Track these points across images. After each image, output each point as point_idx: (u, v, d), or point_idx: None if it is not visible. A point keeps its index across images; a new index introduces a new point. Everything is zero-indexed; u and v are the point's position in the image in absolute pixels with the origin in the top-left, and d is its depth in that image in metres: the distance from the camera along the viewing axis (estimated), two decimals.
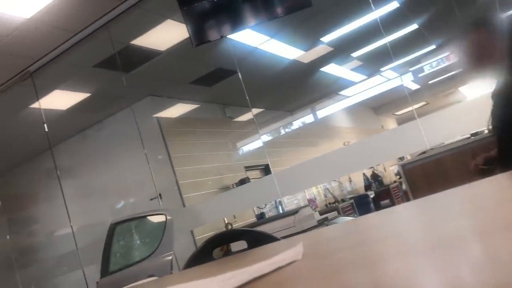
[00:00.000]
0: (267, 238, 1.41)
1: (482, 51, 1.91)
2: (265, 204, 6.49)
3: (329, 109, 9.73)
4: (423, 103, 11.34)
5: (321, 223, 4.03)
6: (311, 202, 7.47)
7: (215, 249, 1.50)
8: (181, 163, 5.91)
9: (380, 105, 11.84)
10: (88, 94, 5.61)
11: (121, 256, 3.19)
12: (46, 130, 4.99)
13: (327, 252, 0.74)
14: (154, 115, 6.08)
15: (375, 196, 8.23)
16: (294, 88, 8.05)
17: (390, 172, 9.93)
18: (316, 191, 8.14)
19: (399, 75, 8.98)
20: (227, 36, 4.24)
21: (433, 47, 8.42)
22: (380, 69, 8.81)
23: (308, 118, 9.69)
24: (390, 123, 12.70)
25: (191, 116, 6.96)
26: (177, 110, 6.81)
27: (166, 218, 3.12)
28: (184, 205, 5.50)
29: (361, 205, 7.55)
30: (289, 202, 7.45)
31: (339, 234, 1.01)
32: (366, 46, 7.07)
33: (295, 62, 6.71)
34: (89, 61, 4.87)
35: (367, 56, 7.52)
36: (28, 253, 6.75)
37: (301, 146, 9.08)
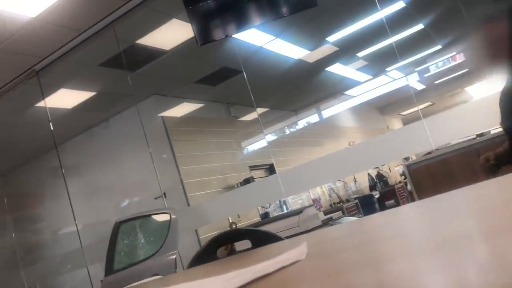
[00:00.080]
0: (271, 238, 1.41)
1: (496, 44, 1.88)
2: (270, 204, 6.49)
3: (334, 109, 9.71)
4: (429, 103, 11.30)
5: (326, 223, 4.03)
6: (316, 202, 7.46)
7: (219, 248, 1.50)
8: (186, 162, 5.91)
9: (386, 105, 11.81)
10: (94, 93, 5.63)
11: (126, 254, 3.20)
12: (52, 128, 5.01)
13: (331, 252, 0.74)
14: (159, 114, 6.09)
15: (380, 197, 8.21)
16: (299, 88, 8.04)
17: (395, 173, 9.90)
18: (320, 191, 8.13)
19: (404, 75, 8.96)
20: (232, 36, 4.25)
21: (439, 47, 8.39)
22: (386, 69, 8.79)
23: (313, 118, 9.67)
24: (396, 123, 12.66)
25: (196, 115, 6.97)
26: (182, 109, 6.82)
27: (170, 217, 3.12)
28: (188, 204, 5.50)
29: (366, 205, 7.54)
30: (294, 202, 7.44)
31: (343, 234, 1.01)
32: (371, 46, 7.06)
33: (300, 62, 6.70)
34: (95, 60, 4.89)
35: (373, 56, 7.50)
36: (33, 251, 6.78)
37: (306, 146, 9.08)
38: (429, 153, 3.68)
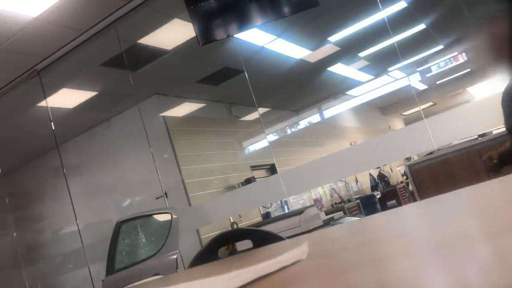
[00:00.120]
0: (273, 238, 1.41)
1: (499, 44, 1.86)
2: (271, 204, 6.49)
3: (336, 109, 9.70)
4: (431, 103, 11.30)
5: (327, 223, 4.03)
6: (317, 202, 7.46)
7: (220, 248, 1.50)
8: (187, 162, 5.92)
9: (387, 105, 11.80)
10: (95, 93, 5.63)
11: (127, 254, 3.20)
12: (53, 128, 5.02)
13: (333, 252, 0.74)
14: (161, 114, 6.09)
15: (382, 197, 8.20)
16: (301, 88, 8.04)
17: (396, 173, 9.89)
18: (322, 191, 8.12)
19: (406, 75, 8.95)
20: (234, 35, 4.25)
21: (441, 47, 8.39)
22: (388, 69, 8.78)
23: (315, 118, 9.67)
24: (397, 124, 12.65)
25: (197, 115, 6.97)
26: (183, 109, 6.82)
27: (172, 216, 3.12)
28: (190, 204, 5.51)
29: (368, 205, 7.53)
30: (295, 202, 7.44)
31: (344, 233, 1.01)
32: (373, 46, 7.05)
33: (301, 62, 6.70)
34: (96, 60, 4.89)
35: (374, 56, 7.50)
36: (35, 251, 6.79)
37: (307, 146, 9.07)
38: (431, 153, 3.68)
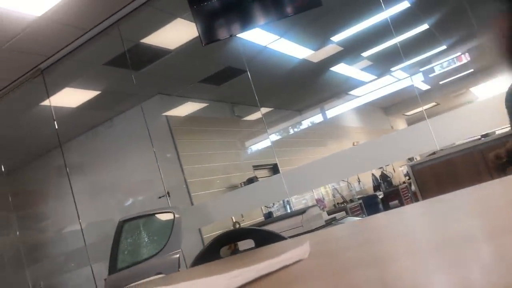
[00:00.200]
0: (275, 237, 1.41)
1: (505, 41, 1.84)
2: (273, 204, 6.49)
3: (339, 109, 9.69)
4: (434, 103, 11.27)
5: (329, 223, 4.03)
6: (319, 202, 7.45)
7: (223, 248, 1.50)
8: (190, 161, 5.92)
9: (390, 105, 11.78)
10: (98, 92, 5.64)
11: (129, 253, 3.20)
12: (56, 127, 5.03)
13: (334, 251, 0.74)
14: (163, 114, 6.10)
15: (384, 197, 8.19)
16: (303, 88, 8.03)
17: (399, 173, 9.88)
18: (324, 191, 8.12)
19: (409, 75, 8.93)
20: (237, 35, 4.25)
21: (444, 47, 8.36)
22: (390, 69, 8.76)
23: (317, 118, 9.66)
24: (400, 124, 12.63)
25: (200, 114, 6.97)
26: (186, 108, 6.83)
27: (174, 216, 3.13)
28: (192, 204, 5.51)
29: (370, 205, 7.52)
30: (297, 202, 7.43)
31: (346, 233, 1.01)
32: (376, 46, 7.04)
33: (304, 62, 6.69)
34: (99, 59, 4.90)
35: (377, 56, 7.49)
36: (38, 249, 6.81)
37: (310, 146, 9.06)
38: (434, 153, 3.67)
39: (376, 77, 8.98)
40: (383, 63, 8.24)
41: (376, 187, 8.76)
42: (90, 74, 5.31)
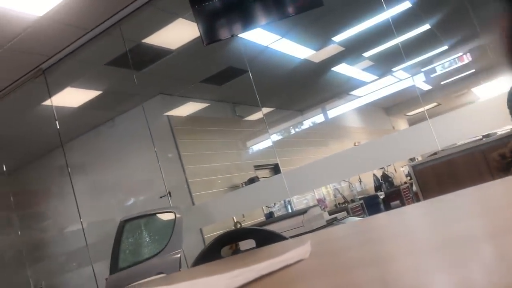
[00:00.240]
0: (276, 237, 1.41)
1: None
2: (274, 204, 6.49)
3: (340, 109, 9.69)
4: (435, 104, 11.26)
5: (330, 223, 4.02)
6: (321, 202, 7.45)
7: (224, 248, 1.50)
8: (191, 161, 5.92)
9: (392, 106, 11.78)
10: (100, 92, 5.65)
11: (130, 253, 3.21)
12: (58, 127, 5.04)
13: (335, 251, 0.74)
14: (165, 114, 6.10)
15: (385, 197, 8.19)
16: (305, 88, 8.03)
17: (400, 173, 9.87)
18: (325, 191, 8.12)
19: (411, 75, 8.93)
20: (238, 35, 4.25)
21: (445, 47, 8.36)
22: (392, 69, 8.76)
23: (319, 118, 9.66)
24: (401, 124, 12.62)
25: (201, 114, 6.98)
26: (188, 108, 6.83)
27: (175, 216, 3.13)
28: (193, 203, 5.51)
29: (371, 205, 7.52)
30: (298, 202, 7.43)
31: (347, 233, 1.01)
32: (377, 46, 7.04)
33: (306, 62, 6.69)
34: (101, 59, 4.91)
35: (379, 56, 7.48)
36: (39, 249, 6.82)
37: (311, 146, 9.06)
38: (435, 153, 3.67)
39: (377, 77, 8.98)
40: (385, 63, 8.23)
41: (378, 187, 8.76)
42: (92, 74, 5.31)
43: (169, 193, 4.78)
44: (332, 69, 7.59)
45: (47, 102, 5.09)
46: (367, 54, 7.49)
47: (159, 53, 5.08)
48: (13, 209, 6.17)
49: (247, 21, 3.51)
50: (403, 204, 7.86)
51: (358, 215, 6.65)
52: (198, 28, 3.44)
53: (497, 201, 0.73)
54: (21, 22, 3.75)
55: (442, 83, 10.30)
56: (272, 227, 3.53)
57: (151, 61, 5.23)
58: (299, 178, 4.05)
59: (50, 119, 5.03)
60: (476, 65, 9.36)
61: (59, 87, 5.19)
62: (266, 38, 5.45)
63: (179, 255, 2.94)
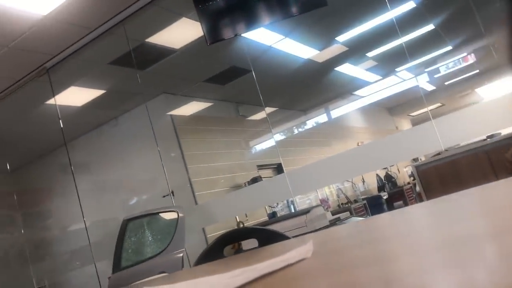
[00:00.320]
0: (278, 237, 1.41)
1: None
2: (277, 203, 6.48)
3: (343, 109, 9.67)
4: (439, 104, 11.23)
5: (333, 223, 4.02)
6: (324, 202, 7.44)
7: (226, 247, 1.50)
8: (194, 160, 5.93)
9: (395, 106, 11.75)
10: (103, 91, 5.66)
11: (133, 252, 3.21)
12: (61, 126, 5.05)
13: (337, 250, 0.74)
14: (168, 113, 6.11)
15: (388, 197, 8.17)
16: (308, 88, 8.02)
17: (403, 174, 9.85)
18: (328, 191, 8.10)
19: (414, 75, 8.90)
20: (242, 35, 4.25)
21: (449, 47, 8.34)
22: (396, 70, 8.74)
23: (322, 118, 9.64)
24: (405, 124, 12.59)
25: (205, 114, 6.98)
26: (191, 108, 6.83)
27: (178, 215, 3.13)
28: (196, 203, 5.52)
29: (374, 206, 7.50)
30: (301, 202, 7.43)
31: (349, 232, 1.00)
32: (381, 46, 7.02)
33: (309, 62, 6.69)
34: (105, 58, 4.92)
35: (383, 56, 7.47)
36: (42, 247, 6.84)
37: (314, 146, 9.05)
38: (438, 154, 3.65)
39: (381, 77, 8.96)
40: (388, 63, 8.22)
41: (381, 188, 8.74)
42: (95, 73, 5.32)
43: (172, 192, 4.79)
44: (336, 69, 7.58)
45: (51, 101, 5.10)
46: (370, 54, 7.48)
47: (162, 52, 5.08)
48: (17, 208, 6.19)
49: (251, 21, 3.51)
50: (406, 204, 7.84)
51: (361, 216, 6.64)
52: (202, 28, 3.44)
53: (500, 202, 0.72)
54: (26, 21, 3.76)
55: (446, 83, 10.27)
56: (275, 227, 3.53)
57: (154, 61, 5.23)
58: (302, 178, 4.05)
59: (53, 118, 5.04)
60: (480, 65, 9.33)
61: (63, 86, 5.20)
62: (269, 38, 5.44)
63: (181, 255, 2.95)
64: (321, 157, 4.17)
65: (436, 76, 9.36)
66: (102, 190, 6.27)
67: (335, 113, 9.57)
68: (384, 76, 8.96)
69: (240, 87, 6.54)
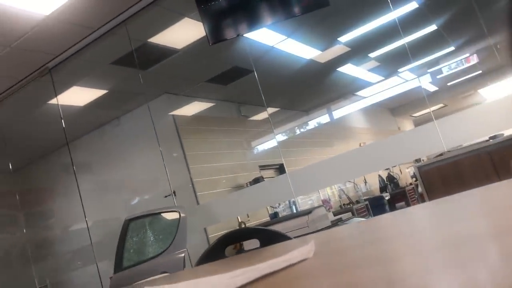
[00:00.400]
0: (280, 237, 1.41)
1: None
2: (279, 204, 6.48)
3: (345, 110, 9.66)
4: (441, 105, 11.21)
5: (335, 224, 4.02)
6: (326, 202, 7.43)
7: (228, 247, 1.50)
8: (196, 161, 5.93)
9: (397, 106, 11.74)
10: (105, 91, 5.66)
11: (135, 252, 3.21)
12: (64, 126, 5.06)
13: (339, 250, 0.74)
14: (170, 113, 6.11)
15: (391, 198, 8.16)
16: (310, 88, 8.02)
17: (406, 174, 9.83)
18: (330, 192, 8.10)
19: (417, 76, 8.89)
20: (244, 35, 4.25)
21: (452, 48, 8.32)
22: (398, 70, 8.73)
23: (324, 119, 9.64)
24: (407, 125, 12.57)
25: (207, 114, 6.98)
26: (193, 108, 6.84)
27: (180, 215, 3.13)
28: (198, 203, 5.52)
29: (376, 207, 7.49)
30: (303, 203, 7.42)
31: (351, 233, 1.00)
32: (384, 46, 7.01)
33: (311, 62, 6.68)
34: (107, 58, 4.92)
35: (385, 56, 7.46)
36: (44, 247, 6.85)
37: (316, 147, 9.05)
38: (441, 155, 3.65)
39: (383, 78, 8.95)
40: (391, 64, 8.21)
41: (383, 188, 8.73)
42: (98, 73, 5.33)
43: (174, 192, 4.79)
44: (338, 69, 7.57)
45: (53, 101, 5.11)
46: (373, 54, 7.47)
47: (164, 52, 5.08)
48: (19, 208, 6.20)
49: (253, 21, 3.51)
50: (408, 205, 7.82)
51: (363, 216, 6.64)
52: (204, 28, 3.44)
53: (503, 202, 0.72)
54: (28, 21, 3.77)
55: (448, 84, 10.25)
56: (276, 227, 3.53)
57: (156, 61, 5.23)
58: (304, 179, 4.04)
59: (56, 118, 5.05)
60: (483, 66, 9.31)
61: (65, 86, 5.21)
62: (271, 38, 5.44)
63: (183, 255, 2.95)
64: (323, 157, 4.16)
65: (438, 76, 9.34)
66: (104, 190, 6.28)
67: (337, 113, 9.56)
68: (387, 76, 8.95)
69: (242, 87, 6.54)
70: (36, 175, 7.11)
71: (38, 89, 4.99)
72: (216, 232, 5.26)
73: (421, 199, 6.85)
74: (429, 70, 8.94)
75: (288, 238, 1.37)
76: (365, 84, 8.93)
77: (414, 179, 8.80)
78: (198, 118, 6.79)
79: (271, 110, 7.06)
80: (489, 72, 9.76)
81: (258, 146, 7.81)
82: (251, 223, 5.76)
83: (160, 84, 5.83)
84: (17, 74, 4.72)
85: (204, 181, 5.91)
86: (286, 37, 5.55)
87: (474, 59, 8.72)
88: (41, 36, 4.05)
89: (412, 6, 5.65)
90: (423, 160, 5.22)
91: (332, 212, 5.42)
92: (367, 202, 7.52)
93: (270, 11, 3.44)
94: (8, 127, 5.65)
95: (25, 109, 5.59)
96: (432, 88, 10.09)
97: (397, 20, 4.53)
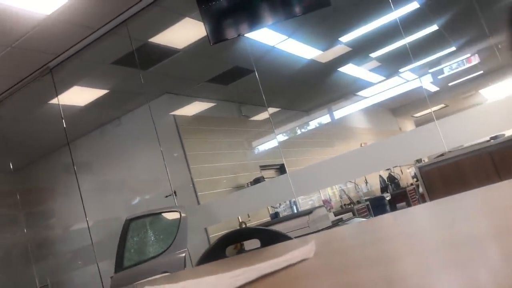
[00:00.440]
0: (280, 237, 1.41)
1: None
2: (280, 204, 6.48)
3: (346, 110, 9.66)
4: (442, 105, 11.20)
5: (336, 224, 4.02)
6: (326, 203, 7.43)
7: (228, 247, 1.50)
8: (197, 161, 5.93)
9: (398, 107, 11.73)
10: (106, 91, 5.67)
11: (135, 252, 3.22)
12: (64, 125, 5.06)
13: (339, 250, 0.73)
14: (171, 113, 6.11)
15: (391, 199, 8.15)
16: (311, 88, 8.02)
17: (407, 175, 9.82)
18: (331, 192, 8.09)
19: (418, 76, 8.88)
20: (245, 35, 4.25)
21: (453, 48, 8.31)
22: (399, 70, 8.72)
23: (325, 119, 9.63)
24: (408, 125, 12.57)
25: (207, 114, 6.98)
26: (194, 108, 6.84)
27: (180, 215, 3.14)
28: (198, 203, 5.52)
29: (377, 207, 7.49)
30: (304, 203, 7.42)
31: (352, 233, 1.00)
32: (385, 46, 7.01)
33: (312, 62, 6.68)
34: (108, 58, 4.92)
35: (386, 56, 7.45)
36: (45, 247, 6.85)
37: (317, 147, 9.05)
38: (442, 155, 3.64)
39: (384, 78, 8.94)
40: (392, 64, 8.20)
41: (384, 189, 8.72)
42: (98, 73, 5.33)
43: (175, 192, 4.79)
44: (339, 69, 7.57)
45: (54, 101, 5.11)
46: (374, 54, 7.46)
47: (165, 52, 5.08)
48: (19, 207, 6.21)
49: (254, 21, 3.51)
50: (409, 205, 7.81)
51: (364, 217, 6.63)
52: (205, 28, 3.45)
53: (504, 202, 0.72)
54: (29, 21, 3.77)
55: (449, 84, 10.24)
56: (277, 228, 3.53)
57: (157, 61, 5.24)
58: (305, 179, 4.04)
59: (56, 118, 5.05)
60: (484, 66, 9.30)
61: (66, 86, 5.21)
62: (272, 38, 5.44)
63: (183, 254, 2.95)
64: (324, 157, 4.16)
65: (439, 77, 9.33)
66: (104, 190, 6.28)
67: (338, 113, 9.56)
68: (388, 76, 8.95)
69: (243, 87, 6.54)
70: (36, 174, 7.12)
71: (39, 88, 5.00)
72: (217, 232, 5.26)
73: (422, 199, 6.84)
74: (430, 70, 8.93)
75: (289, 238, 1.36)
76: (366, 84, 8.93)
77: (415, 179, 8.80)
78: (199, 118, 6.79)
79: (272, 110, 7.06)
80: (490, 73, 9.75)
81: (259, 146, 7.81)
82: (252, 223, 5.76)
83: (160, 84, 5.83)
84: (18, 73, 4.72)
85: (205, 181, 5.91)
86: (287, 37, 5.55)
87: (475, 59, 8.72)
88: (42, 36, 4.05)
89: (413, 6, 5.64)
90: (424, 161, 5.22)
91: (333, 212, 5.42)
92: (368, 203, 7.51)
93: (271, 11, 3.44)
94: (9, 126, 5.66)
95: (26, 108, 5.59)
96: (433, 88, 10.08)
97: (398, 20, 4.52)
